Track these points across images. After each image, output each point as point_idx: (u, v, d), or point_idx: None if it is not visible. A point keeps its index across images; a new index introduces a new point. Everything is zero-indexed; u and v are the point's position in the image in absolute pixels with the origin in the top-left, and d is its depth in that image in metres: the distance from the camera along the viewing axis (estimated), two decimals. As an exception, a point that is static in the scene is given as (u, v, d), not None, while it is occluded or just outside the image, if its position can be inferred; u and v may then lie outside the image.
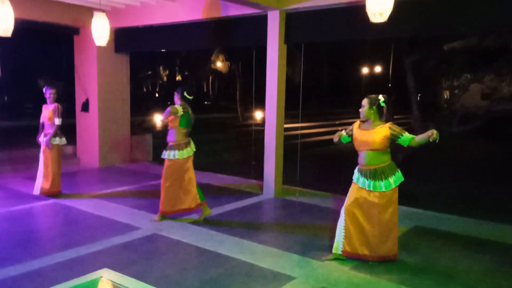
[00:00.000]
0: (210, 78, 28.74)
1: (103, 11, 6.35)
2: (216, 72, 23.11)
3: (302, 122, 14.58)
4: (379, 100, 4.18)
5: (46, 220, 5.63)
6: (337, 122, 20.12)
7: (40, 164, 6.56)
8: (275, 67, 6.71)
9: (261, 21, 6.83)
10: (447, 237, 5.25)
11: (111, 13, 8.50)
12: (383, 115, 4.22)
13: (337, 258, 4.39)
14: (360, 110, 4.25)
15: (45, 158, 6.49)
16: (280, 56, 6.69)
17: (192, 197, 5.52)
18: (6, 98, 18.03)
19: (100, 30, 6.07)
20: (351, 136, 4.36)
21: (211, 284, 3.86)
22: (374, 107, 4.17)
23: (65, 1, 7.99)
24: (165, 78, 29.99)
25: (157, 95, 30.94)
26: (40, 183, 6.57)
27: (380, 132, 4.13)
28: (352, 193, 4.33)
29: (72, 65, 9.51)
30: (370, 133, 4.17)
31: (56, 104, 6.40)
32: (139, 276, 3.89)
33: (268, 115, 6.90)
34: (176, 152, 5.38)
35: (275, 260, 4.41)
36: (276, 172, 6.88)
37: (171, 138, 5.41)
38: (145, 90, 30.87)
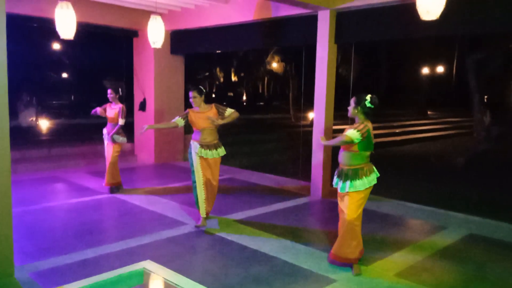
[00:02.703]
0: (266, 79, 28.93)
1: (160, 14, 6.61)
2: (271, 73, 23.24)
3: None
4: (366, 100, 4.04)
5: (101, 213, 5.95)
6: (394, 124, 19.53)
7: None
8: (324, 67, 6.65)
9: (311, 21, 6.80)
10: (503, 246, 4.95)
11: (168, 16, 8.83)
12: (370, 115, 4.10)
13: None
14: (348, 108, 4.18)
15: (108, 153, 6.84)
16: (330, 56, 6.62)
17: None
18: (72, 97, 19.24)
19: (155, 33, 6.31)
20: None
21: (251, 281, 3.90)
22: (359, 107, 4.06)
23: (125, 6, 8.41)
24: (221, 79, 30.59)
25: (213, 95, 31.65)
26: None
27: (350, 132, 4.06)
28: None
29: (132, 66, 9.98)
30: (345, 132, 4.13)
31: (121, 105, 6.71)
32: (183, 270, 4.02)
33: (316, 116, 6.84)
34: (223, 147, 5.48)
35: (317, 261, 4.38)
36: (323, 174, 6.81)
37: (215, 135, 5.43)
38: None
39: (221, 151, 5.43)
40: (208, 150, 5.30)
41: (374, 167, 4.19)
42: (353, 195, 4.08)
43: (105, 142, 6.91)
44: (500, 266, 4.37)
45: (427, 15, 4.25)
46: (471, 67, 15.65)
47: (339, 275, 4.08)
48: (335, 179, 4.25)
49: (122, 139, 6.79)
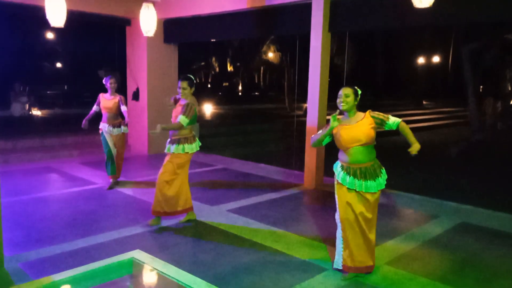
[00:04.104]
0: (261, 68, 28.84)
1: (152, 2, 6.52)
2: (267, 63, 23.15)
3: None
4: (358, 90, 3.77)
5: (94, 203, 5.91)
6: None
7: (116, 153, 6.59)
8: (318, 56, 6.60)
9: (305, 10, 6.74)
10: (494, 235, 4.97)
11: (161, 4, 8.71)
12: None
13: (357, 276, 3.84)
14: (342, 100, 3.68)
15: (120, 147, 6.60)
16: (323, 45, 6.57)
17: (185, 199, 5.12)
18: (65, 87, 19.08)
19: (148, 21, 6.24)
20: (331, 135, 3.80)
21: (243, 270, 3.90)
22: (358, 98, 3.73)
23: (117, -7, 8.30)
24: (217, 69, 30.44)
25: (209, 85, 31.52)
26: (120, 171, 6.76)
27: (365, 123, 3.68)
28: (343, 198, 3.76)
29: (125, 55, 9.88)
30: (355, 127, 3.69)
31: (121, 96, 6.49)
32: (174, 259, 4.01)
33: (310, 106, 6.81)
34: (186, 145, 4.95)
35: (309, 250, 4.38)
36: (317, 164, 6.80)
37: (176, 131, 4.98)
38: (198, 80, 31.57)
39: (177, 148, 4.89)
40: (170, 145, 5.00)
41: None
42: (378, 193, 3.77)
43: (107, 135, 6.47)
44: (491, 255, 4.39)
45: (420, 3, 4.22)
46: (466, 57, 15.63)
47: (330, 264, 4.07)
48: (355, 181, 3.68)
49: (125, 128, 6.65)
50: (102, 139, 6.58)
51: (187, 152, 4.96)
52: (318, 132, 3.86)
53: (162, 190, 4.97)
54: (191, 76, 4.98)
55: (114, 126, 6.50)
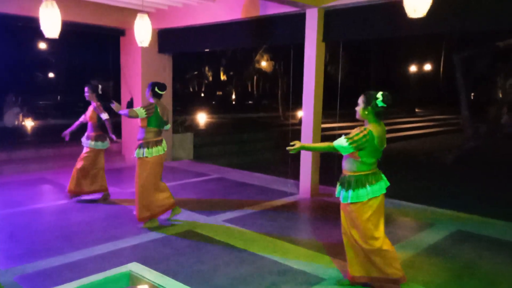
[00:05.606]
0: (255, 77, 28.94)
1: (147, 12, 6.53)
2: (260, 72, 23.26)
3: (344, 122, 14.31)
4: (377, 99, 3.50)
5: (89, 214, 5.87)
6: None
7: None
8: (312, 65, 6.64)
9: (299, 19, 6.79)
10: (491, 242, 4.99)
11: (155, 14, 8.75)
12: (381, 115, 3.57)
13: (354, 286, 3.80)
14: (356, 108, 3.61)
15: (82, 159, 6.41)
16: (318, 54, 6.62)
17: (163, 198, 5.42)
18: (59, 97, 19.03)
19: (142, 32, 6.23)
20: None
21: (240, 281, 3.88)
22: (369, 108, 3.52)
23: (112, 4, 8.31)
24: (210, 78, 30.53)
25: (202, 94, 31.57)
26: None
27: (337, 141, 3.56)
28: None
29: (119, 65, 9.87)
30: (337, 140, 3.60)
31: (95, 103, 6.27)
32: (170, 271, 3.99)
33: (305, 114, 6.83)
34: (145, 150, 5.21)
35: (306, 260, 4.37)
36: (312, 172, 6.81)
37: (140, 136, 5.28)
38: (191, 89, 31.60)
39: (138, 152, 5.29)
40: (137, 149, 5.37)
41: (382, 175, 3.68)
42: (358, 209, 3.58)
43: (85, 147, 6.38)
44: (487, 263, 4.40)
45: (414, 13, 4.24)
46: (458, 64, 15.82)
47: (328, 274, 4.07)
48: (338, 187, 3.74)
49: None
50: None
51: (147, 157, 5.24)
52: None
53: (140, 195, 5.27)
54: (152, 84, 5.30)
55: (87, 138, 6.38)
